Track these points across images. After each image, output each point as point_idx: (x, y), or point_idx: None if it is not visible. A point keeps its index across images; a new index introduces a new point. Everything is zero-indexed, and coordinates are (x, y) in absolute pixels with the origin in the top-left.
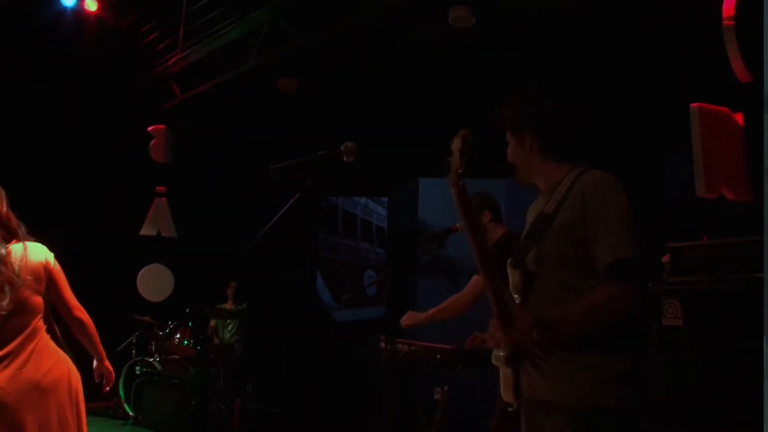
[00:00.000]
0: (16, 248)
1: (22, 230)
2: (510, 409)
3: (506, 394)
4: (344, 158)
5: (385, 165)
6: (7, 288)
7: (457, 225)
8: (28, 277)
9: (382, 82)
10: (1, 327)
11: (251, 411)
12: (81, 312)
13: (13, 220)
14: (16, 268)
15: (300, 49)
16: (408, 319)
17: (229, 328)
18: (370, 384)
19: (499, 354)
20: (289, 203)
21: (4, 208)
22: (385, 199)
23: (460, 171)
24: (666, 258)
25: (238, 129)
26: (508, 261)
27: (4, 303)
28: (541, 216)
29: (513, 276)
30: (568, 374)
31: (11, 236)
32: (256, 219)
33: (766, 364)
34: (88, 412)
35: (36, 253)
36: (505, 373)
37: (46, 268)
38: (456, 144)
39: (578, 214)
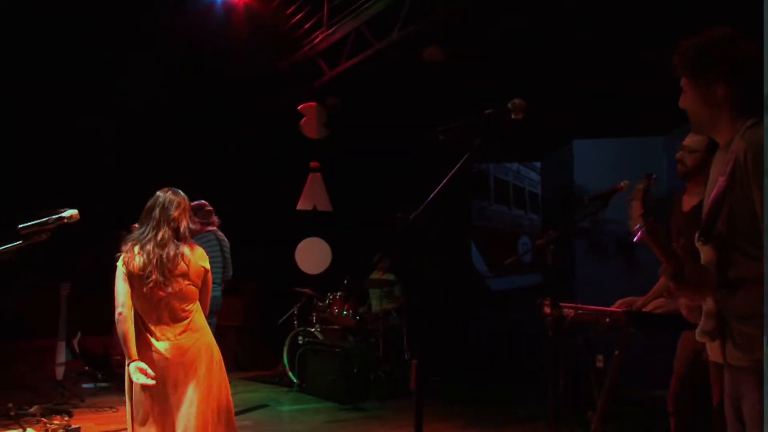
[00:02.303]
0: (188, 250)
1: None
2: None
3: (714, 355)
4: (512, 116)
5: (537, 128)
6: (185, 278)
7: (622, 184)
8: (194, 273)
9: (531, 43)
10: (172, 307)
11: (410, 379)
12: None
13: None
14: (188, 264)
15: (445, 16)
16: (624, 304)
17: (382, 298)
18: (530, 351)
19: (702, 330)
20: (460, 163)
21: (185, 222)
22: (538, 164)
23: (642, 215)
24: None
25: (388, 101)
26: (696, 236)
27: (184, 287)
28: (720, 180)
29: (703, 252)
30: (760, 340)
31: (185, 241)
32: (411, 188)
33: (766, 364)
34: (257, 379)
35: (201, 256)
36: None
37: (205, 271)
38: (636, 194)
39: (745, 178)
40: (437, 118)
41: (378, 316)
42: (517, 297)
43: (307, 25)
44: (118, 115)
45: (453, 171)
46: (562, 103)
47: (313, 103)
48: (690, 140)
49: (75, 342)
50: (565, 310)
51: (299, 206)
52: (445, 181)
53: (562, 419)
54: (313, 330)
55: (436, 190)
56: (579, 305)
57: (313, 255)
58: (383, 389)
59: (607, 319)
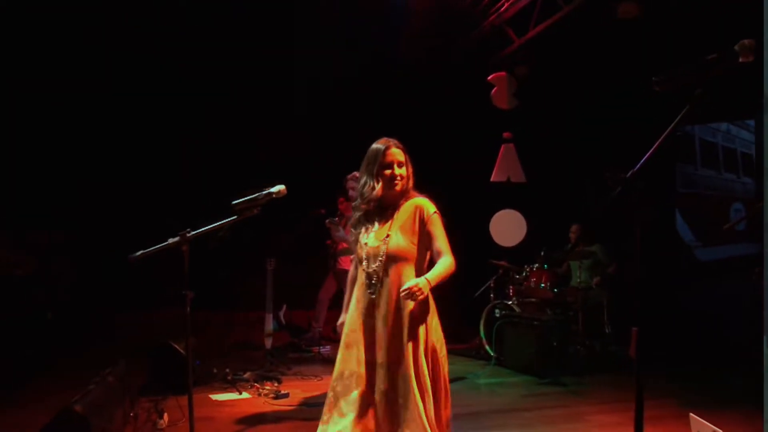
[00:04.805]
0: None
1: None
2: None
3: None
4: (740, 59)
5: (749, 81)
6: (390, 236)
7: None
8: (402, 229)
9: None
10: (381, 265)
11: (611, 354)
12: (445, 257)
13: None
14: (396, 221)
15: None
16: None
17: (581, 271)
18: (746, 326)
19: None
20: (680, 116)
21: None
22: (751, 122)
23: None
24: None
25: (581, 64)
26: None
27: (390, 248)
28: None
29: None
30: None
31: (404, 195)
32: (607, 156)
33: (766, 364)
34: (454, 352)
35: (411, 208)
36: None
37: (421, 221)
38: None
39: None
40: (634, 79)
41: (578, 289)
42: (730, 268)
43: None
44: (310, 96)
45: (672, 125)
46: None
47: (503, 73)
48: None
49: (281, 314)
50: None
51: (493, 178)
52: (663, 136)
53: None
54: (510, 303)
55: (653, 147)
56: None
57: (507, 227)
58: (582, 364)
59: None
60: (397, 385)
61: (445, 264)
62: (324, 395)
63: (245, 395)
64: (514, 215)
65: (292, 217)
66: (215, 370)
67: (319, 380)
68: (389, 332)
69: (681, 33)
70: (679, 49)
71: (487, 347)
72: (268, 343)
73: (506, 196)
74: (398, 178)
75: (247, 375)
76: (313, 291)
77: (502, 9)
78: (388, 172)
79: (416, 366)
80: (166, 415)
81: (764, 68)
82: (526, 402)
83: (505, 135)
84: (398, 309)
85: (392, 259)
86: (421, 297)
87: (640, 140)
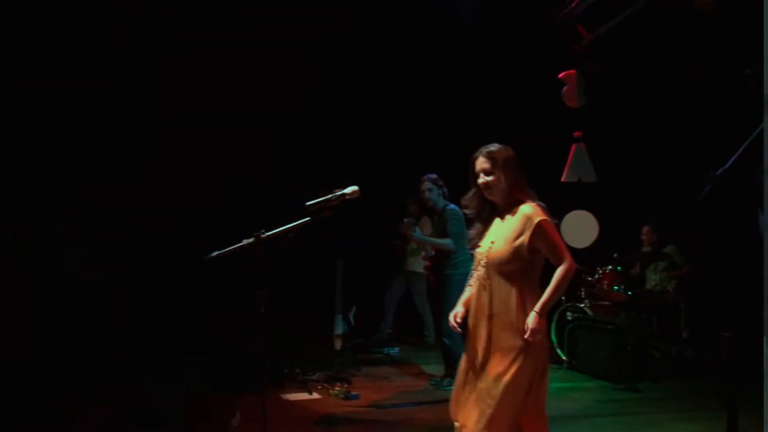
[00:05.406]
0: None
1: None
2: None
3: None
4: None
5: None
6: (495, 242)
7: None
8: (506, 236)
9: None
10: (485, 271)
11: (687, 359)
12: (561, 262)
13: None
14: (502, 228)
15: None
16: None
17: (656, 273)
18: None
19: None
20: None
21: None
22: None
23: None
24: None
25: (655, 60)
26: None
27: (492, 255)
28: None
29: None
30: None
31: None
32: (681, 155)
33: (766, 364)
34: None
35: (517, 215)
36: None
37: (526, 231)
38: None
39: None
40: (711, 75)
41: (652, 292)
42: None
43: None
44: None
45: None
46: None
47: (573, 71)
48: None
49: (351, 315)
50: None
51: (564, 178)
52: (753, 135)
53: None
54: (582, 305)
55: (743, 146)
56: None
57: (579, 228)
58: (658, 369)
59: None
60: (489, 386)
61: (555, 278)
62: (393, 396)
63: (315, 395)
64: (586, 216)
65: (362, 219)
66: (286, 370)
67: (388, 382)
68: (486, 338)
69: (760, 24)
70: (760, 42)
71: (558, 351)
72: (338, 344)
73: (577, 197)
74: (486, 185)
75: (317, 376)
76: (384, 292)
77: (573, 4)
78: (478, 181)
79: (510, 377)
80: (238, 413)
81: (764, 68)
82: (600, 408)
83: (576, 134)
84: (494, 316)
85: (494, 265)
86: (540, 335)
87: (716, 138)
